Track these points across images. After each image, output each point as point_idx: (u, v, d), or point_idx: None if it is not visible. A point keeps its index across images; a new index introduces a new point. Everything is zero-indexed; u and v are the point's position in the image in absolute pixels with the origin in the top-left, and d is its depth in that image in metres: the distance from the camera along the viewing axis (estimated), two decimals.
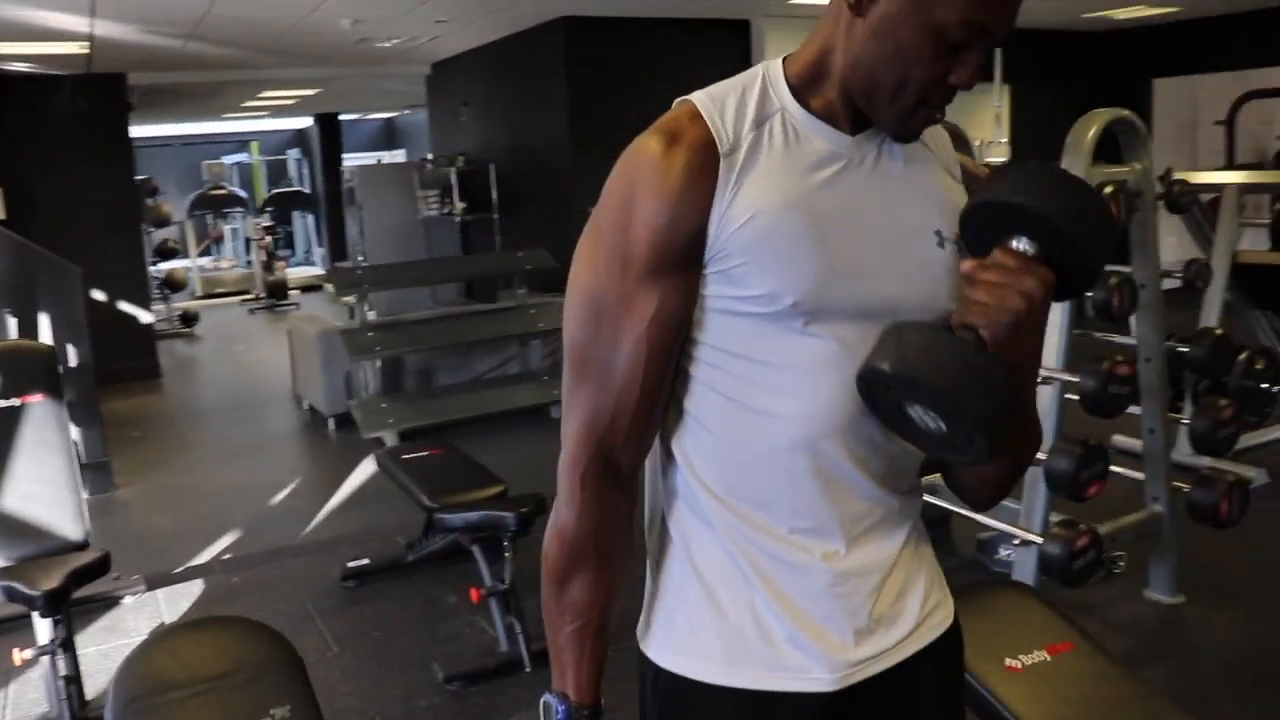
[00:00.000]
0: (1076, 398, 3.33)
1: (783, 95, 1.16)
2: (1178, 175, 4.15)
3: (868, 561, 1.18)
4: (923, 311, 1.14)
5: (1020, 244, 1.05)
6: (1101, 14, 8.91)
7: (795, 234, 1.10)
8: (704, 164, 1.10)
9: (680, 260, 1.11)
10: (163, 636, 1.61)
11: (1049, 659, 2.07)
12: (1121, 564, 4.03)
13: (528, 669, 3.44)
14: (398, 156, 17.01)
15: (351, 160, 15.04)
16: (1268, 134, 12.03)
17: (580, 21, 7.44)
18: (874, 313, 1.13)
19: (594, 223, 1.16)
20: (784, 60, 1.19)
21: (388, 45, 8.33)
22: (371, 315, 6.69)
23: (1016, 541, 3.55)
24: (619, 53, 7.71)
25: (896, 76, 1.08)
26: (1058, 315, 3.44)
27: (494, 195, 8.67)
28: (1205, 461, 4.15)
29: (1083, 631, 2.25)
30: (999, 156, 7.65)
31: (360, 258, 10.18)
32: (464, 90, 9.50)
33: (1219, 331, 3.88)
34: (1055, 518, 3.48)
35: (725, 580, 1.18)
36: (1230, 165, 10.38)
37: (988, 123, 8.28)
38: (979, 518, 4.09)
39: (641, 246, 1.10)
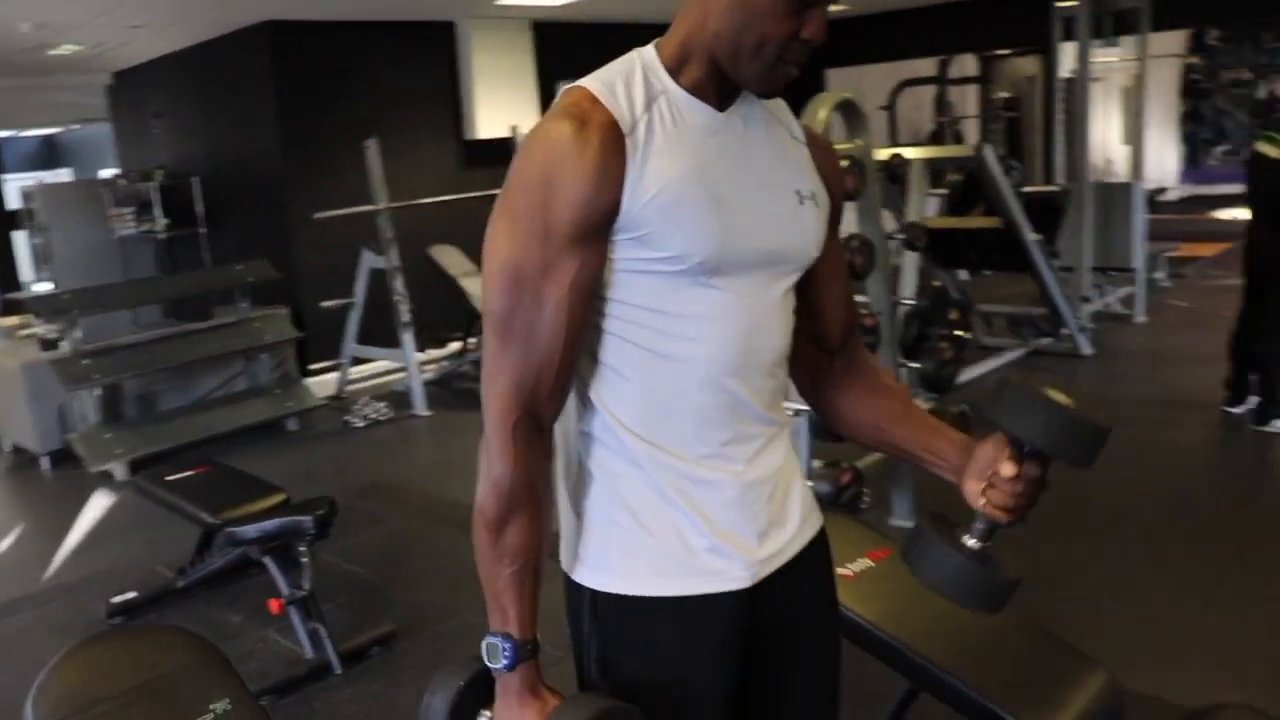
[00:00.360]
0: None
1: (663, 78, 1.30)
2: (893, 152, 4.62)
3: (762, 474, 1.38)
4: (799, 258, 1.38)
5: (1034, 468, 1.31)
6: None
7: (697, 202, 1.26)
8: (613, 143, 1.23)
9: (596, 230, 1.24)
10: (67, 656, 1.50)
11: (873, 564, 2.33)
12: (868, 498, 4.44)
13: (338, 671, 3.38)
14: (62, 176, 15.70)
15: (9, 181, 13.75)
16: (921, 116, 13.36)
17: (287, 26, 7.22)
18: (762, 263, 1.34)
19: (507, 203, 1.27)
20: (656, 46, 1.34)
21: (65, 53, 7.73)
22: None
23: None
24: (328, 57, 7.55)
25: (756, 37, 1.24)
26: None
27: (199, 209, 8.25)
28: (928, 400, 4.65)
29: (891, 539, 2.54)
30: None
31: (48, 284, 9.39)
32: (155, 100, 8.95)
33: (937, 285, 4.37)
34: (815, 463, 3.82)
35: (649, 506, 1.33)
36: (894, 144, 11.44)
37: None
38: None
39: (563, 220, 1.22)
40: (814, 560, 1.47)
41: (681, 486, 1.32)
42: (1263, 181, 5.27)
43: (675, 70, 1.31)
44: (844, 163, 3.75)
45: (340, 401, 7.21)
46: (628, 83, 1.29)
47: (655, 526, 1.33)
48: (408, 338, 6.86)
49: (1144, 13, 7.63)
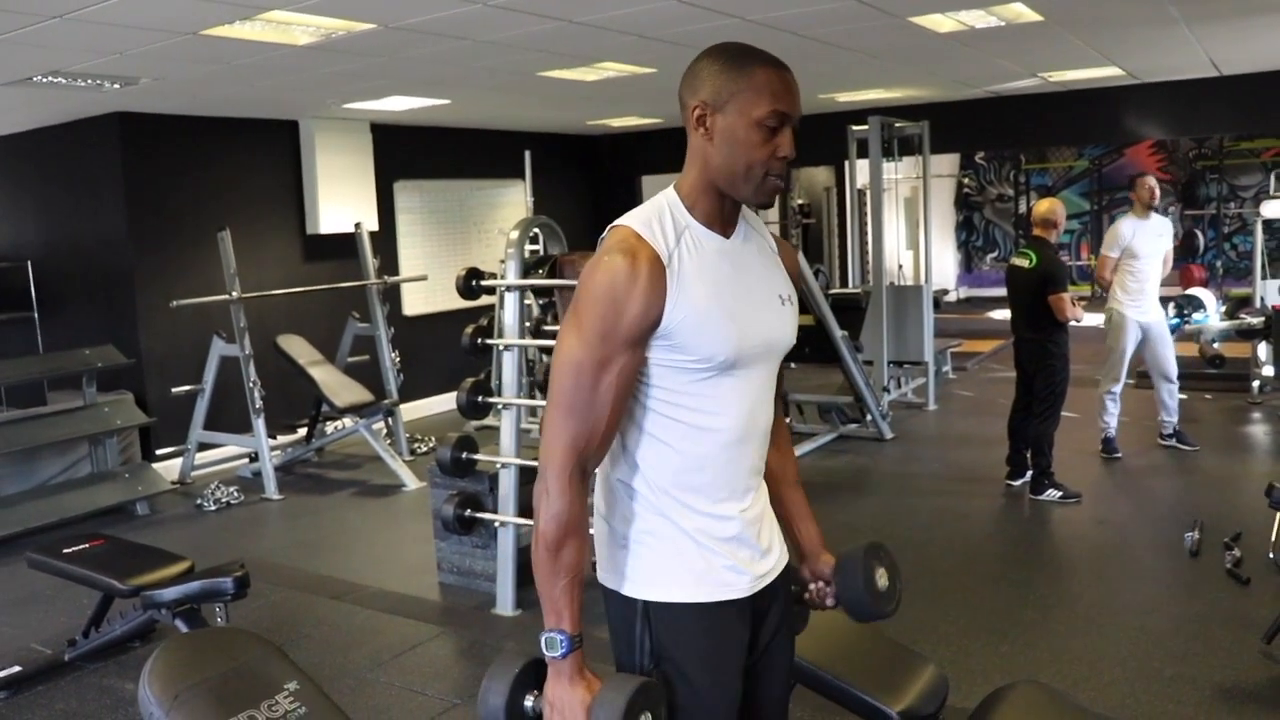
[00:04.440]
0: None
1: (684, 215, 1.78)
2: None
3: (757, 513, 1.89)
4: (784, 347, 1.88)
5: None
6: (603, 121, 10.38)
7: (717, 320, 1.74)
8: (660, 273, 1.70)
9: (644, 336, 1.71)
10: (164, 650, 1.84)
11: None
12: None
13: None
14: None
15: None
16: None
17: (136, 117, 7.41)
18: (762, 355, 1.83)
19: (577, 314, 1.72)
20: (675, 188, 1.82)
21: None
22: None
23: None
24: (177, 149, 7.74)
25: (745, 163, 1.73)
26: None
27: (33, 294, 8.20)
28: None
29: None
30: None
31: None
32: None
33: None
34: None
35: (678, 540, 1.80)
36: None
37: (519, 210, 9.35)
38: None
39: (621, 328, 1.69)
40: (786, 576, 1.98)
41: (702, 524, 1.79)
42: (1019, 290, 6.23)
43: (691, 206, 1.78)
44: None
45: (186, 486, 7.30)
46: (661, 221, 1.74)
47: (687, 553, 1.79)
48: (260, 423, 7.05)
49: (924, 137, 8.75)
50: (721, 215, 1.81)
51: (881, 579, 2.03)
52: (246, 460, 7.62)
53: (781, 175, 1.78)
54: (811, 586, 2.07)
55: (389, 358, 8.15)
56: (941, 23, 5.71)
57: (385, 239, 9.16)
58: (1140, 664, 4.03)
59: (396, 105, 7.94)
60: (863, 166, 9.03)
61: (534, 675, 1.77)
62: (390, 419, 8.02)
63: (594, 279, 1.71)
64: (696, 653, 1.78)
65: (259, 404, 7.05)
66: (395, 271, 9.22)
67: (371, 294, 8.15)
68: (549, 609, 1.74)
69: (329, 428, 8.04)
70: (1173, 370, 6.95)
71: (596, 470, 1.83)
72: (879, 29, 5.69)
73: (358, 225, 8.31)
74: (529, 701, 1.76)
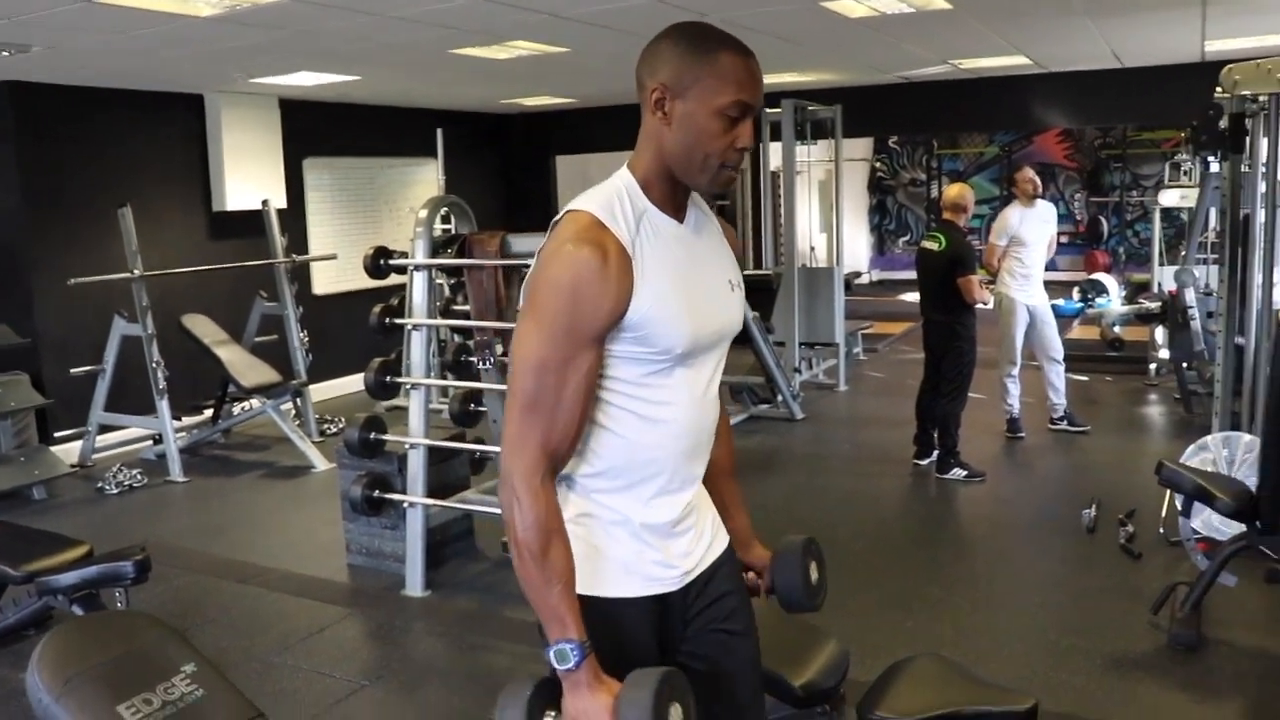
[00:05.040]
0: None
1: (642, 200, 1.71)
2: None
3: (698, 500, 1.85)
4: (732, 334, 1.83)
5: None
6: (516, 100, 10.30)
7: (677, 310, 1.68)
8: (626, 265, 1.63)
9: (607, 331, 1.65)
10: (54, 635, 1.77)
11: None
12: None
13: None
14: None
15: None
16: None
17: (30, 87, 7.15)
18: (714, 343, 1.79)
19: (536, 307, 1.63)
20: (629, 168, 1.74)
21: None
22: None
23: None
24: (76, 121, 7.49)
25: (703, 152, 1.67)
26: None
27: None
28: None
29: None
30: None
31: None
32: None
33: None
34: None
35: (612, 531, 1.74)
36: None
37: (431, 189, 9.25)
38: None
39: (587, 324, 1.61)
40: (729, 558, 1.92)
41: (642, 515, 1.73)
42: (928, 272, 6.35)
43: (647, 189, 1.71)
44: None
45: (87, 469, 7.10)
46: (621, 206, 1.67)
47: (618, 546, 1.73)
48: (164, 405, 6.88)
49: (837, 121, 8.84)
50: (675, 199, 1.76)
51: (814, 573, 2.07)
52: (150, 442, 7.43)
53: (737, 166, 1.73)
54: (745, 575, 2.05)
55: (297, 337, 8.01)
56: (853, 8, 5.77)
57: (294, 217, 8.97)
58: (1038, 637, 4.15)
59: (305, 80, 7.77)
60: (776, 149, 9.09)
61: (548, 694, 1.65)
62: (299, 400, 7.89)
63: (556, 270, 1.62)
64: (623, 644, 1.72)
65: (162, 385, 6.87)
66: (304, 250, 9.05)
67: (280, 273, 7.99)
68: (549, 620, 1.62)
69: (236, 409, 7.86)
70: (1059, 351, 7.15)
71: None
72: (792, 13, 5.73)
73: (265, 203, 8.14)
74: None
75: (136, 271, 6.82)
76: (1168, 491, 4.86)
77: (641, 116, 1.74)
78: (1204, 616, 4.05)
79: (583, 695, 1.60)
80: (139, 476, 6.78)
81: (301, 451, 7.13)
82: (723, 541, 1.94)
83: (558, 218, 1.69)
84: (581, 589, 1.67)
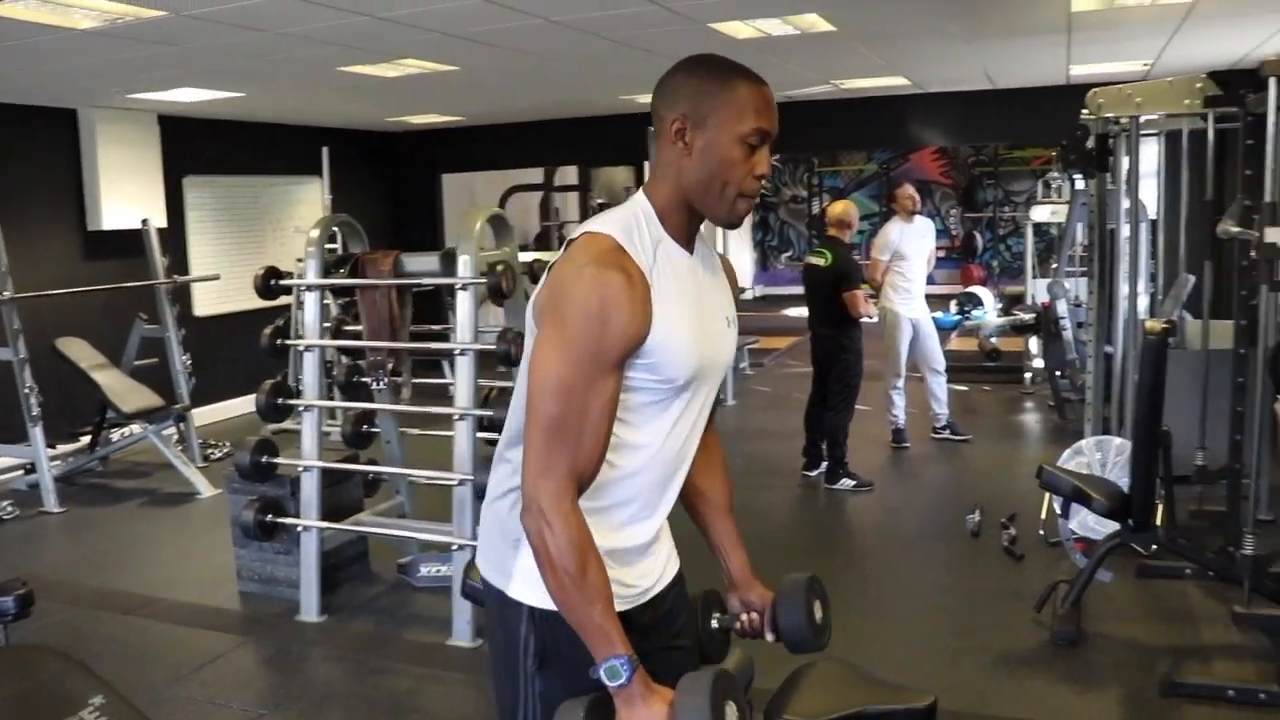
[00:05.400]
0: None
1: (657, 227, 1.72)
2: (534, 257, 5.31)
3: (661, 526, 1.85)
4: (726, 367, 1.85)
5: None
6: (403, 118, 10.21)
7: (687, 340, 1.69)
8: (647, 292, 1.64)
9: (629, 355, 1.64)
10: None
11: None
12: None
13: None
14: None
15: None
16: (529, 220, 14.39)
17: None
18: (711, 375, 1.79)
19: (560, 330, 1.61)
20: (646, 194, 1.75)
21: None
22: None
23: (455, 546, 4.35)
24: None
25: (722, 180, 1.69)
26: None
27: None
28: None
29: None
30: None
31: None
32: None
33: None
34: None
35: None
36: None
37: (316, 208, 9.10)
38: (405, 533, 4.90)
39: (614, 349, 1.61)
40: (679, 581, 1.94)
41: (609, 539, 1.71)
42: (815, 287, 6.51)
43: (663, 218, 1.73)
44: (499, 267, 4.40)
45: None
46: (639, 232, 1.68)
47: None
48: (37, 432, 6.62)
49: None
50: (687, 230, 1.77)
51: (818, 611, 2.04)
52: (22, 472, 7.13)
53: (754, 196, 1.75)
54: (744, 617, 2.04)
55: (179, 360, 7.78)
56: (741, 29, 5.89)
57: (175, 237, 8.73)
58: (928, 640, 4.29)
59: (187, 97, 7.59)
60: None
61: (601, 715, 1.63)
62: (181, 424, 7.66)
63: (583, 292, 1.61)
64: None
65: (36, 411, 6.61)
66: (185, 271, 8.81)
67: (160, 294, 7.75)
68: (596, 639, 1.62)
69: (115, 435, 7.61)
70: (941, 363, 7.39)
71: (497, 449, 1.79)
72: (680, 34, 5.82)
73: (144, 222, 7.90)
74: None
75: (6, 293, 6.56)
76: (1046, 495, 5.07)
77: (657, 148, 1.76)
78: (1083, 612, 4.24)
79: (638, 708, 1.60)
80: (9, 508, 6.49)
81: (185, 477, 6.93)
82: (676, 562, 1.95)
83: (573, 237, 1.70)
84: (547, 603, 1.68)
